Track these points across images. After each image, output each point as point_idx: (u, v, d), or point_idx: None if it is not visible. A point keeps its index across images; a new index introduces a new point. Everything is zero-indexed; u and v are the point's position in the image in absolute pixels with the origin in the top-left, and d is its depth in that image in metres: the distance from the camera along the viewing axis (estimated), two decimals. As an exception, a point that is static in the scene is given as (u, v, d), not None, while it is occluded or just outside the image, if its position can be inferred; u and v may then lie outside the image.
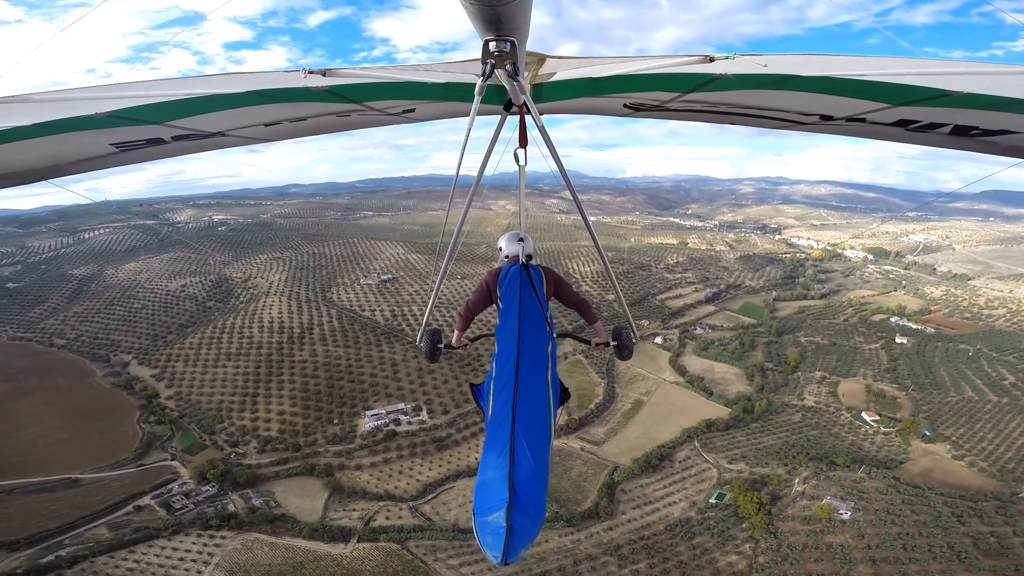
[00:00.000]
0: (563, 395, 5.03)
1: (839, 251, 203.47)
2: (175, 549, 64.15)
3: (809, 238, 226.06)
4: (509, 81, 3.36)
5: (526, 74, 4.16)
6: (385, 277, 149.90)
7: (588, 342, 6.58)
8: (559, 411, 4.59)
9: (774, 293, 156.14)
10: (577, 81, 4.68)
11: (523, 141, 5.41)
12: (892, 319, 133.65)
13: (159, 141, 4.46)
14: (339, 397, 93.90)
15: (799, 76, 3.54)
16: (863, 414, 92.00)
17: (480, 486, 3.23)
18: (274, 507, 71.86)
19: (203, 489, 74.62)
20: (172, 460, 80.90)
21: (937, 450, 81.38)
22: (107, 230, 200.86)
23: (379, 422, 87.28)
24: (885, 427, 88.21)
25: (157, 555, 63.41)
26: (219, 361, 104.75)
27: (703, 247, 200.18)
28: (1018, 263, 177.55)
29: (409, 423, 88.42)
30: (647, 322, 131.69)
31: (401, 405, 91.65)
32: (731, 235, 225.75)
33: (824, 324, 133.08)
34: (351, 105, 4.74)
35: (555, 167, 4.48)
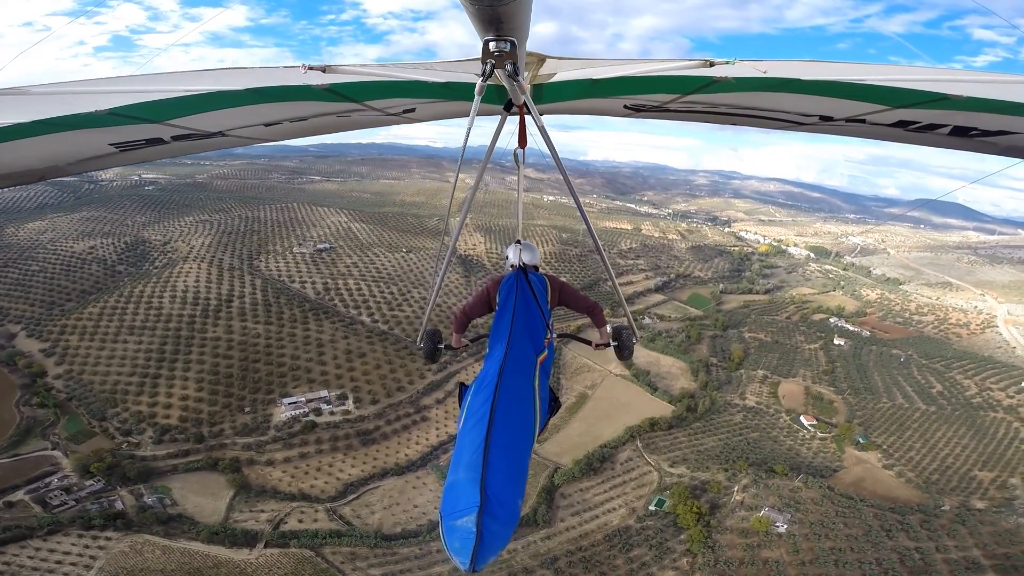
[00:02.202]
0: (553, 404, 4.73)
1: (783, 247, 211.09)
2: (52, 551, 56.23)
3: (756, 233, 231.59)
4: (509, 81, 3.34)
5: (526, 74, 4.06)
6: (322, 246, 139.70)
7: (589, 343, 6.48)
8: (548, 419, 4.42)
9: (721, 285, 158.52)
10: (578, 82, 4.63)
11: (522, 142, 5.39)
12: (831, 319, 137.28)
13: (159, 141, 4.37)
14: (253, 382, 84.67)
15: (799, 80, 3.55)
16: (802, 418, 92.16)
17: (450, 487, 3.06)
18: (169, 506, 63.87)
19: (86, 484, 65.51)
20: (53, 449, 70.66)
21: (869, 458, 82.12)
22: (17, 187, 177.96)
23: (297, 411, 79.04)
24: (822, 432, 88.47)
25: (31, 556, 55.54)
26: (120, 335, 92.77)
27: (656, 235, 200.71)
28: (945, 271, 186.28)
29: (332, 413, 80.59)
30: None
31: (324, 393, 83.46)
32: (683, 225, 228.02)
33: (768, 320, 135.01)
34: (352, 104, 4.66)
35: (552, 161, 4.67)
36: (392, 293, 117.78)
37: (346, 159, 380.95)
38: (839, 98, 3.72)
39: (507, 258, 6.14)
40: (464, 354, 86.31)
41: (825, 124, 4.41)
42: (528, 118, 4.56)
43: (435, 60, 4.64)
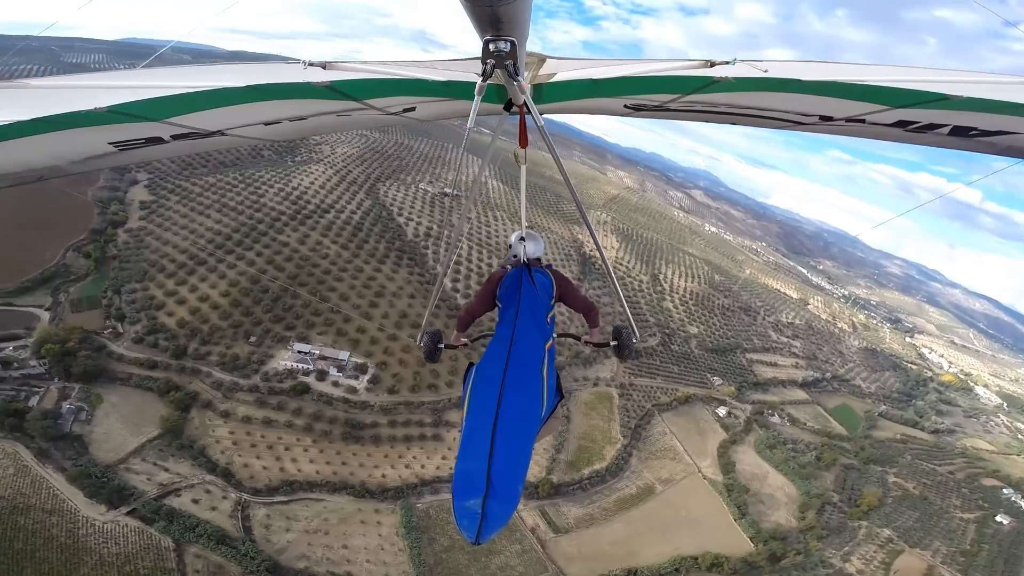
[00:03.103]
0: (559, 393, 4.83)
1: (971, 384, 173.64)
2: None
3: (943, 356, 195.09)
4: (509, 81, 3.39)
5: (526, 74, 4.10)
6: (447, 191, 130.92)
7: (579, 338, 6.67)
8: (557, 405, 4.61)
9: (883, 406, 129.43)
10: (577, 82, 4.65)
11: (523, 141, 5.38)
12: (1005, 490, 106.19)
13: (158, 140, 4.36)
14: (283, 308, 74.73)
15: (799, 80, 3.63)
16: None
17: (460, 473, 3.38)
18: (80, 421, 55.69)
19: (29, 364, 58.93)
20: (45, 310, 66.07)
21: None
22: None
23: (301, 364, 67.27)
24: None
25: None
26: (210, 210, 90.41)
27: (824, 316, 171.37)
28: None
29: (337, 383, 67.48)
30: (720, 380, 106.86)
31: (344, 355, 70.19)
32: (860, 316, 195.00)
33: (924, 468, 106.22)
34: (351, 103, 4.63)
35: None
36: (489, 264, 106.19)
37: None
38: (839, 98, 3.67)
39: (510, 247, 5.92)
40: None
41: (825, 124, 4.37)
42: (527, 117, 4.54)
43: (436, 59, 4.66)
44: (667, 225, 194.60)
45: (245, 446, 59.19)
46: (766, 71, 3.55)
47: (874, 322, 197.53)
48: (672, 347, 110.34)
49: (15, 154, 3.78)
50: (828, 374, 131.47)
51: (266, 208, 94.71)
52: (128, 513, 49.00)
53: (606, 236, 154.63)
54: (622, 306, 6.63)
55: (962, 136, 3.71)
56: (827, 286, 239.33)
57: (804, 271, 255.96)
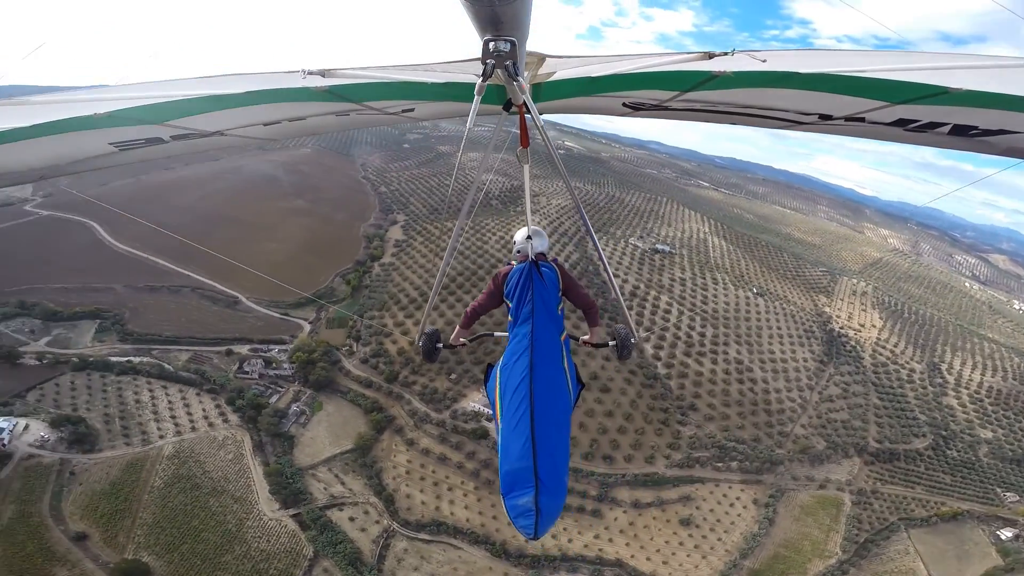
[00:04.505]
0: (579, 382, 4.97)
1: None
2: (188, 404, 63.06)
3: None
4: (509, 81, 3.42)
5: (526, 74, 4.14)
6: (661, 247, 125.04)
7: (577, 339, 6.40)
8: (579, 395, 4.67)
9: None
10: (576, 80, 4.69)
11: (524, 141, 5.35)
12: None
13: (158, 140, 4.50)
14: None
15: (798, 73, 3.63)
16: None
17: (506, 475, 3.57)
18: (300, 423, 63.88)
19: (283, 366, 70.00)
20: (308, 323, 79.35)
21: None
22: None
23: (487, 409, 68.44)
24: None
25: (171, 401, 63.45)
26: (446, 250, 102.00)
27: None
28: None
29: None
30: (1015, 497, 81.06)
31: None
32: None
33: None
34: (350, 105, 4.77)
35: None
36: (702, 335, 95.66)
37: (746, 175, 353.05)
38: (838, 94, 3.64)
39: (515, 243, 5.94)
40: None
41: (825, 123, 4.37)
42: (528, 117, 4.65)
43: (435, 61, 4.61)
44: (954, 300, 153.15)
45: (415, 477, 62.11)
46: (764, 61, 3.44)
47: None
48: (948, 452, 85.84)
49: (16, 156, 3.92)
50: None
51: (487, 255, 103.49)
52: (293, 516, 53.50)
53: (865, 311, 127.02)
54: (621, 307, 6.70)
55: (962, 136, 3.66)
56: None
57: None
